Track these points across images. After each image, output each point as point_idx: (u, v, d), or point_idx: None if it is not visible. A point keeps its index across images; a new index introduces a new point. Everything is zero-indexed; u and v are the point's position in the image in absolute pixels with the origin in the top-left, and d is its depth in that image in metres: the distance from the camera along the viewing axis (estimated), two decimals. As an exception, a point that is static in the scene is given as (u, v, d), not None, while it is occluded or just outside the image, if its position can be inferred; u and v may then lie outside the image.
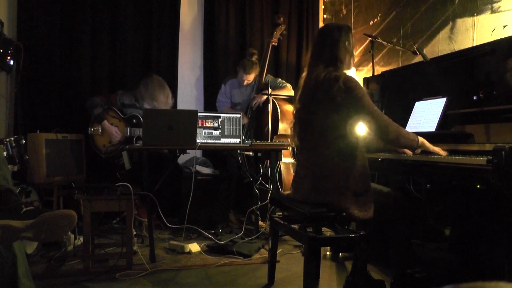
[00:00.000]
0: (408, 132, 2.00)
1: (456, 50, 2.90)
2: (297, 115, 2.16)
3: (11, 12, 3.80)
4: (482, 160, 1.69)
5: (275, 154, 3.10)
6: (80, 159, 3.65)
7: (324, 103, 1.97)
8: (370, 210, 1.96)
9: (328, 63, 2.02)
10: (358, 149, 2.00)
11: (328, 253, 2.87)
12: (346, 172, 1.95)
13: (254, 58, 3.95)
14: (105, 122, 3.57)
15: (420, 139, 2.00)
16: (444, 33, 3.06)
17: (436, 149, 2.01)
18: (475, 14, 2.81)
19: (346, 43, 2.06)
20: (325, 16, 4.82)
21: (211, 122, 2.99)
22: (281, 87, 3.95)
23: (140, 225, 3.44)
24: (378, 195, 2.05)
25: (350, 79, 1.95)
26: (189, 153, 3.53)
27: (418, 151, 2.06)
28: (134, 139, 3.54)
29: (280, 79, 4.06)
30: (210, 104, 4.31)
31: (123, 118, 3.61)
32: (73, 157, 3.56)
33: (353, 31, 4.19)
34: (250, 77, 3.89)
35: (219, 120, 3.00)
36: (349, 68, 2.12)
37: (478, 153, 1.83)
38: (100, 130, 3.57)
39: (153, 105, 3.60)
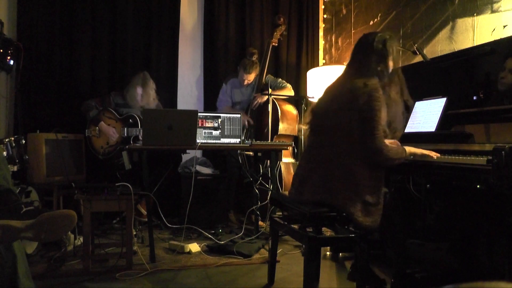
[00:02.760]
0: (396, 151, 1.97)
1: (456, 50, 2.90)
2: (317, 114, 2.16)
3: (11, 12, 3.80)
4: (482, 160, 1.69)
5: (275, 154, 3.10)
6: (80, 159, 3.65)
7: (349, 104, 1.97)
8: (376, 221, 1.93)
9: (367, 74, 2.02)
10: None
11: (328, 253, 2.87)
12: (356, 177, 1.93)
13: (254, 58, 3.95)
14: (102, 123, 3.58)
15: (408, 150, 2.00)
16: (444, 33, 3.06)
17: (426, 152, 2.01)
18: (475, 14, 2.81)
19: (391, 57, 2.06)
20: (325, 16, 4.82)
21: (211, 122, 2.99)
22: (282, 87, 3.95)
23: (139, 215, 3.49)
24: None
25: (377, 89, 1.95)
26: (189, 153, 3.53)
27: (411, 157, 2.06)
28: (132, 139, 3.55)
29: (280, 79, 4.06)
30: (210, 104, 4.32)
31: (120, 118, 3.62)
32: (73, 157, 3.57)
33: (353, 31, 4.23)
34: (251, 77, 3.90)
35: (219, 120, 3.00)
36: (387, 77, 2.09)
37: (478, 153, 1.83)
38: (97, 132, 3.58)
39: (133, 102, 3.64)
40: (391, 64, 2.09)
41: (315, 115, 2.18)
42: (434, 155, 2.00)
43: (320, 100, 2.21)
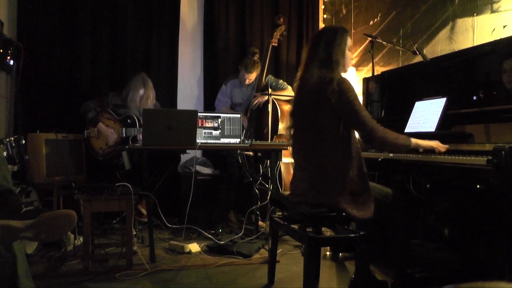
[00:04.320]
0: (397, 137, 1.96)
1: (456, 50, 2.90)
2: (293, 116, 2.17)
3: (11, 12, 3.80)
4: (482, 160, 1.69)
5: (275, 154, 3.10)
6: (80, 159, 3.65)
7: (319, 104, 1.98)
8: (369, 210, 1.95)
9: (322, 64, 2.02)
10: (355, 150, 2.00)
11: (328, 253, 2.87)
12: (342, 173, 1.95)
13: (256, 57, 3.95)
14: (100, 124, 3.59)
15: (413, 141, 1.98)
16: (444, 33, 3.06)
17: (430, 143, 2.00)
18: (475, 14, 2.81)
19: (342, 44, 2.05)
20: (325, 16, 4.82)
21: (211, 122, 2.99)
22: (282, 89, 3.95)
23: (139, 215, 3.49)
24: (378, 195, 2.05)
25: (343, 81, 1.96)
26: (189, 153, 3.53)
27: (421, 149, 2.04)
28: (130, 139, 3.55)
29: (281, 81, 4.06)
30: (210, 104, 4.31)
31: (118, 119, 3.62)
32: (73, 157, 3.57)
33: (353, 31, 4.23)
34: (252, 76, 3.90)
35: (219, 120, 3.00)
36: (344, 70, 2.10)
37: (478, 153, 1.83)
38: (96, 133, 3.59)
39: (132, 103, 3.65)
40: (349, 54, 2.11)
41: (293, 118, 2.18)
42: (442, 148, 2.00)
43: (296, 93, 2.18)
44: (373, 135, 1.92)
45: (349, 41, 2.10)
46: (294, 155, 2.21)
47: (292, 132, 2.18)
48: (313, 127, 2.02)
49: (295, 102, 2.17)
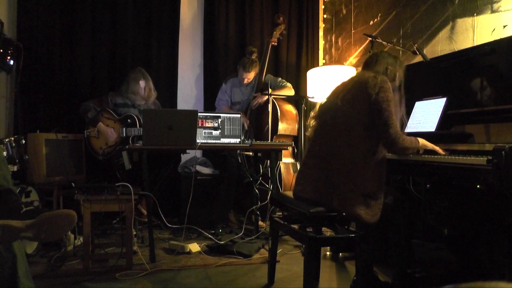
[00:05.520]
0: (411, 141, 2.00)
1: (456, 50, 2.90)
2: (328, 104, 2.19)
3: (11, 12, 3.80)
4: (482, 160, 1.69)
5: (275, 154, 3.10)
6: (80, 159, 3.65)
7: (358, 95, 2.00)
8: (377, 215, 1.94)
9: (377, 72, 2.10)
10: (379, 151, 1.99)
11: (328, 253, 2.87)
12: (358, 170, 1.94)
13: (253, 56, 3.95)
14: (100, 124, 3.58)
15: (420, 142, 2.02)
16: (444, 33, 3.06)
17: (436, 147, 2.04)
18: (475, 14, 2.80)
19: (398, 70, 2.16)
20: (325, 16, 4.82)
21: (211, 122, 2.98)
22: (282, 87, 3.95)
23: (139, 215, 3.49)
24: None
25: (386, 81, 2.01)
26: (189, 153, 3.53)
27: (421, 150, 2.06)
28: (131, 139, 3.55)
29: (280, 79, 4.06)
30: (210, 104, 4.32)
31: (118, 119, 3.62)
32: (73, 157, 3.57)
33: (353, 31, 4.23)
34: (250, 75, 3.90)
35: (219, 120, 3.00)
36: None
37: (478, 153, 1.83)
38: (96, 133, 3.59)
39: (133, 98, 3.66)
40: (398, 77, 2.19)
41: (322, 110, 2.21)
42: (442, 152, 2.04)
43: (329, 96, 2.23)
44: (397, 142, 1.95)
45: (402, 73, 2.20)
46: (311, 143, 2.21)
47: (316, 122, 2.20)
48: (343, 115, 2.02)
49: (332, 92, 2.19)
